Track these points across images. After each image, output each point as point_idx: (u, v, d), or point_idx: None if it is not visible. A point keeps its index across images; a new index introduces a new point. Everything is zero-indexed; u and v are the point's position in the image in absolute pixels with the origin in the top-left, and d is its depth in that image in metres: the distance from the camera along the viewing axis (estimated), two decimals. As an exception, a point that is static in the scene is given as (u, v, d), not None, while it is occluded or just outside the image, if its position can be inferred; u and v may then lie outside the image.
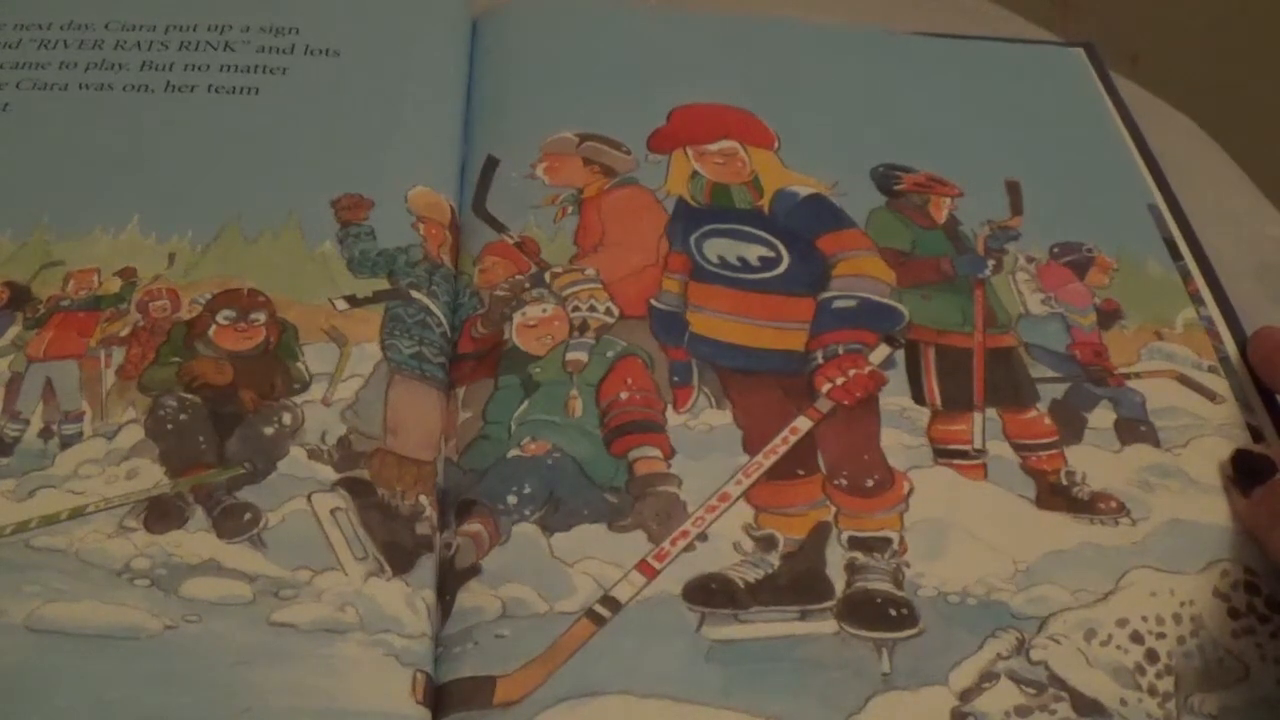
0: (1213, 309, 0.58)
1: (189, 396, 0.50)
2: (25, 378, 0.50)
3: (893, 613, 0.46)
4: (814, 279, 0.56)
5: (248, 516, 0.46)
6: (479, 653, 0.44)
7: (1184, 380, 0.54)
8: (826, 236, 0.58)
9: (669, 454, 0.49)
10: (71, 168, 0.57)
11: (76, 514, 0.46)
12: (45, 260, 0.54)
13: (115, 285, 0.53)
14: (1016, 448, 0.51)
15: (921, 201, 0.60)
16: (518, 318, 0.54)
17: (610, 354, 0.52)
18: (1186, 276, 0.59)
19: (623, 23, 0.69)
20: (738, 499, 0.48)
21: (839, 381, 0.52)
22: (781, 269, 0.56)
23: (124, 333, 0.51)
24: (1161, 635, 0.46)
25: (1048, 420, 0.52)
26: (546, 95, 0.63)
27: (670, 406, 0.51)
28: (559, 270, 0.55)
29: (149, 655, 0.42)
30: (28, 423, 0.48)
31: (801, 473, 0.50)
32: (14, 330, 0.51)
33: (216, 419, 0.49)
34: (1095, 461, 0.51)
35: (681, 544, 0.47)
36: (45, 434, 0.48)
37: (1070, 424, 0.52)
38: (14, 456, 0.47)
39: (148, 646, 0.42)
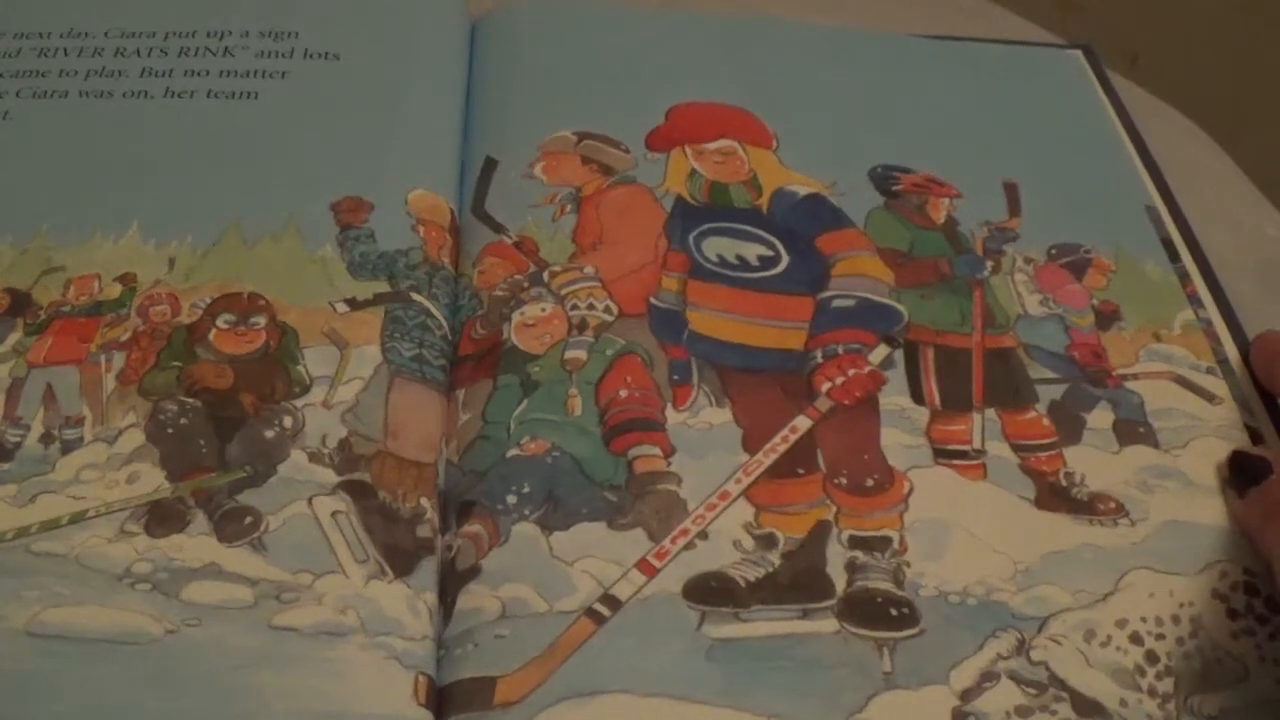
0: (1211, 310, 0.58)
1: (189, 400, 0.50)
2: (26, 383, 0.50)
3: (893, 612, 0.46)
4: (813, 278, 0.56)
5: (248, 520, 0.46)
6: (479, 653, 0.44)
7: (1182, 382, 0.54)
8: (826, 236, 0.58)
9: (669, 452, 0.50)
10: (71, 174, 0.57)
11: (77, 519, 0.46)
12: (46, 267, 0.54)
13: (115, 291, 0.53)
14: (1015, 448, 0.51)
15: (919, 202, 0.60)
16: (516, 317, 0.54)
17: (609, 352, 0.53)
18: (1185, 278, 0.59)
19: (622, 23, 0.69)
20: (738, 497, 0.48)
21: (838, 381, 0.52)
22: (781, 268, 0.56)
23: (124, 338, 0.51)
24: (1161, 636, 0.46)
25: (1046, 421, 0.52)
26: (545, 95, 0.64)
27: (670, 405, 0.51)
28: (558, 269, 0.56)
29: (150, 659, 0.42)
30: (28, 428, 0.49)
31: (802, 471, 0.50)
32: (14, 336, 0.51)
33: (217, 423, 0.49)
34: (1094, 462, 0.51)
35: (681, 542, 0.47)
36: (46, 439, 0.48)
37: (1069, 425, 0.52)
38: (15, 462, 0.47)
39: (149, 651, 0.42)
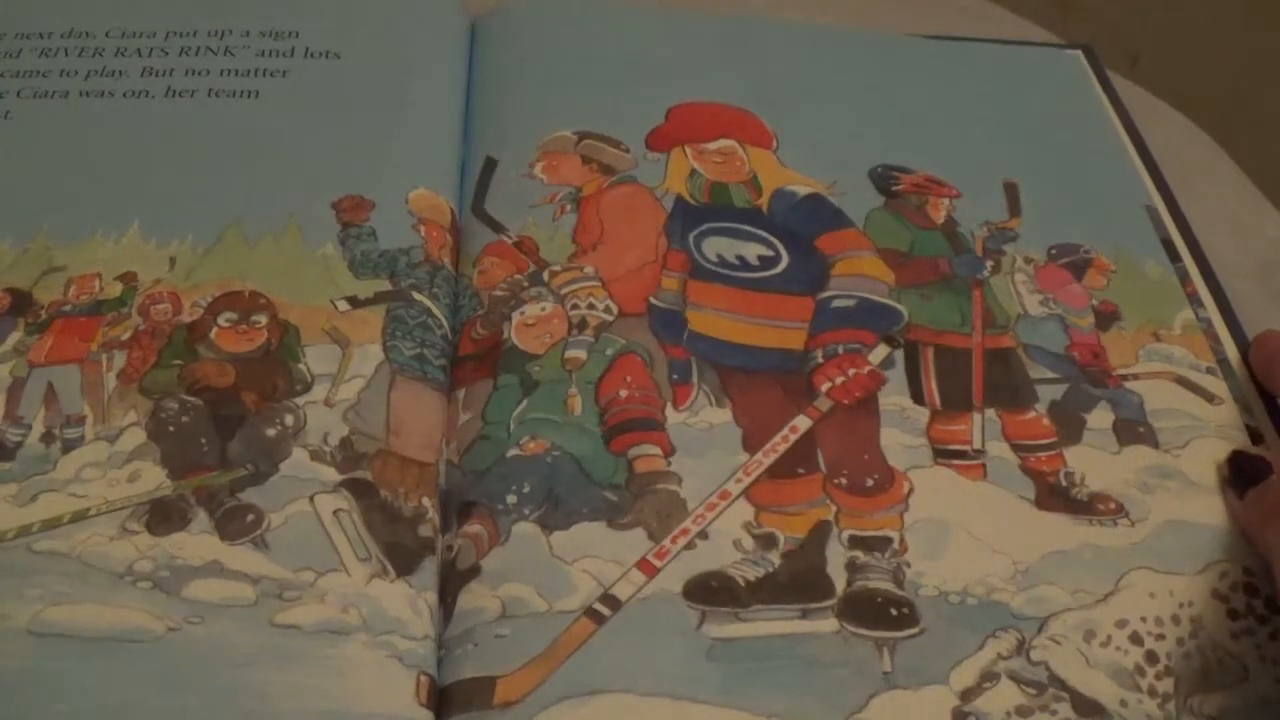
0: (1211, 310, 0.58)
1: (191, 399, 0.50)
2: (27, 382, 0.50)
3: (893, 612, 0.46)
4: (813, 278, 0.56)
5: (250, 518, 0.46)
6: (479, 653, 0.44)
7: (1182, 382, 0.54)
8: (826, 236, 0.58)
9: (669, 452, 0.50)
10: (72, 174, 0.58)
11: (79, 517, 0.46)
12: (47, 266, 0.54)
13: (116, 290, 0.53)
14: (1015, 448, 0.51)
15: (919, 202, 0.60)
16: (516, 317, 0.54)
17: (609, 352, 0.53)
18: (1184, 278, 0.59)
19: (621, 22, 0.69)
20: (738, 497, 0.48)
21: (838, 381, 0.52)
22: (781, 268, 0.56)
23: (125, 336, 0.52)
24: (1161, 636, 0.46)
25: (1046, 421, 0.52)
26: (545, 95, 0.64)
27: (670, 404, 0.51)
28: (558, 269, 0.56)
29: (152, 658, 0.42)
30: (30, 427, 0.49)
31: (802, 471, 0.50)
32: (16, 336, 0.51)
33: (218, 421, 0.49)
34: (1094, 462, 0.51)
35: (682, 542, 0.47)
36: (47, 438, 0.48)
37: (1069, 425, 0.52)
38: (16, 461, 0.47)
39: (151, 649, 0.42)
